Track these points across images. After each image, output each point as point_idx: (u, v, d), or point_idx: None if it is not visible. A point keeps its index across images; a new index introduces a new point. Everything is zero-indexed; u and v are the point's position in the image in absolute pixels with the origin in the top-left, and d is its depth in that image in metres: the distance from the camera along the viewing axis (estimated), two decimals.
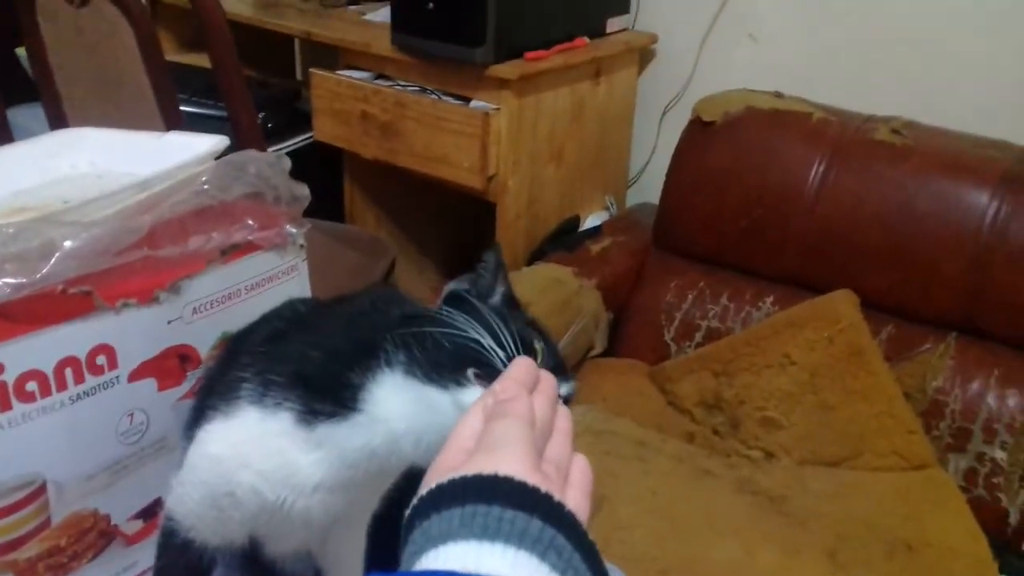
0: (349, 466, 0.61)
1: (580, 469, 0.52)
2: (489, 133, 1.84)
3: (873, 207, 1.60)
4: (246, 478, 0.62)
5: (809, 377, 1.50)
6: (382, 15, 2.13)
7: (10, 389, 0.64)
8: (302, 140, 2.26)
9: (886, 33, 1.88)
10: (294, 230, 0.84)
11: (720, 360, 1.59)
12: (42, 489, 0.68)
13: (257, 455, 0.62)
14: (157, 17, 2.45)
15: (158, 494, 0.71)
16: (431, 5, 1.83)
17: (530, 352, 0.59)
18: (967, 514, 1.37)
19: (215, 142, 0.84)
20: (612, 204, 2.26)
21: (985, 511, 1.41)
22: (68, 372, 0.67)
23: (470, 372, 0.57)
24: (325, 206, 2.00)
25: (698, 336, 1.74)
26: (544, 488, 0.45)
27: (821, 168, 1.66)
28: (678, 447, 1.50)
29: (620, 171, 2.30)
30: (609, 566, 0.49)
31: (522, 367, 0.54)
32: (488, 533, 0.42)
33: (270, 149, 2.15)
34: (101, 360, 0.69)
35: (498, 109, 1.86)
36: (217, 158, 0.83)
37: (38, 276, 0.63)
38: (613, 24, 2.11)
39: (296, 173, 0.85)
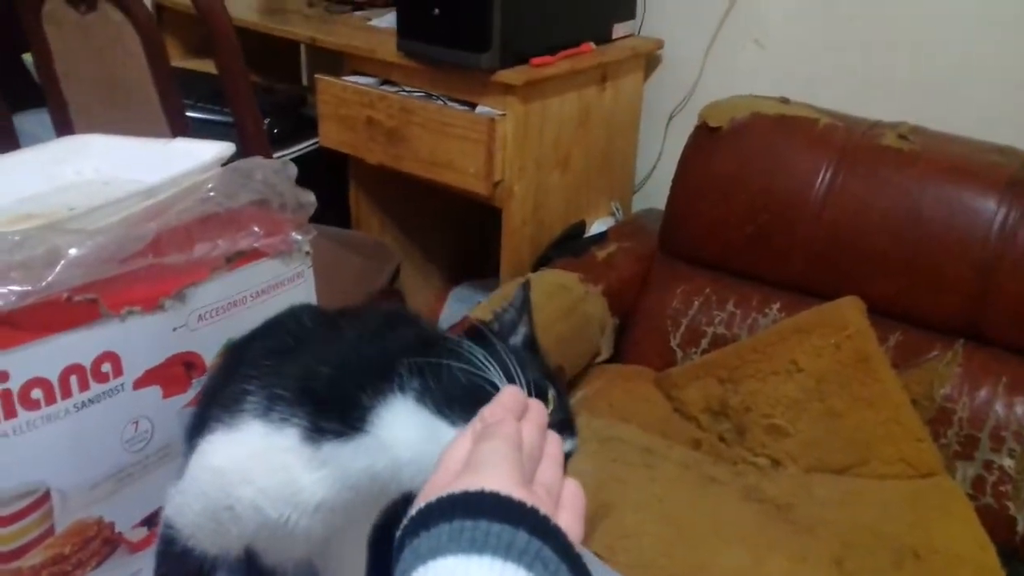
0: (350, 487, 0.61)
1: (572, 492, 0.52)
2: (495, 139, 1.84)
3: (880, 213, 1.60)
4: (247, 493, 0.61)
5: (816, 384, 1.50)
6: (388, 21, 2.13)
7: (15, 397, 0.64)
8: (308, 146, 2.26)
9: (891, 38, 1.88)
10: (300, 237, 0.84)
11: (726, 367, 1.59)
12: (46, 497, 0.68)
13: (260, 470, 0.61)
14: (163, 23, 2.46)
15: (163, 502, 0.70)
16: (437, 11, 1.83)
17: (544, 400, 0.59)
18: (975, 522, 1.37)
19: (221, 149, 0.84)
20: (618, 210, 2.25)
21: (993, 519, 1.40)
22: (73, 380, 0.67)
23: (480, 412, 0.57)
24: (330, 211, 2.00)
25: (704, 342, 1.74)
26: (530, 503, 0.46)
27: (828, 174, 1.65)
28: (684, 454, 1.50)
29: (626, 177, 2.29)
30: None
31: (511, 395, 0.55)
32: (476, 546, 0.43)
33: (276, 155, 2.15)
34: (106, 368, 0.69)
35: (504, 115, 1.86)
36: (223, 165, 0.83)
37: (43, 284, 0.63)
38: (619, 30, 2.11)
39: (302, 179, 0.85)
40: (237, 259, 0.78)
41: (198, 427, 0.67)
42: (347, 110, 2.05)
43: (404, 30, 1.92)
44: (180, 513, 0.65)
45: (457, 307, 2.39)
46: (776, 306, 1.70)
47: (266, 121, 2.07)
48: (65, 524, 0.69)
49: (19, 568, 0.67)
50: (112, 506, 0.72)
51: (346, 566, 0.71)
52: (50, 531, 0.68)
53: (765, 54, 2.06)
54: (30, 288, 0.62)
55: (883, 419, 1.46)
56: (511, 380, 0.58)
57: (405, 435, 0.59)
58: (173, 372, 0.74)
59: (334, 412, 0.60)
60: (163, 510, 0.67)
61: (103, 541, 0.73)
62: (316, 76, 2.11)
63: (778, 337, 1.57)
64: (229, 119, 1.57)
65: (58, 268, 0.63)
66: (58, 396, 0.66)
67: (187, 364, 0.75)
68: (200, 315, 0.76)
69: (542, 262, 2.00)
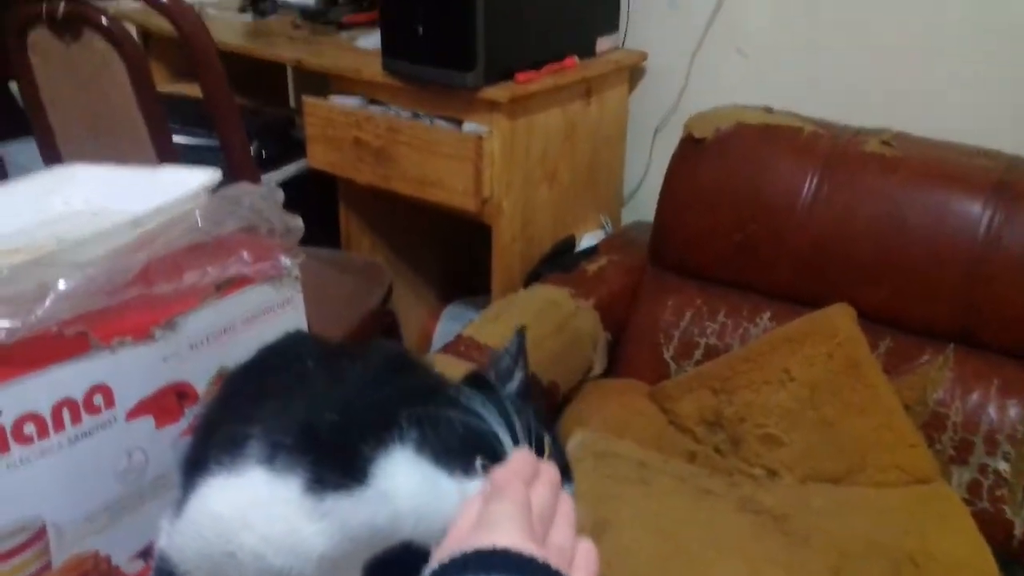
0: (351, 540, 0.60)
1: (585, 554, 0.53)
2: (482, 156, 1.85)
3: (866, 219, 1.61)
4: (249, 540, 0.60)
5: (809, 393, 1.50)
6: (372, 41, 2.14)
7: (8, 432, 0.64)
8: (296, 167, 2.27)
9: (873, 45, 1.89)
10: (289, 262, 0.84)
11: (719, 377, 1.59)
12: (42, 532, 0.67)
13: (262, 519, 0.60)
14: (149, 48, 2.46)
15: (155, 534, 0.70)
16: (421, 30, 1.84)
17: (540, 448, 0.59)
18: (972, 527, 1.37)
19: (208, 176, 0.84)
20: (607, 223, 2.26)
21: (990, 523, 1.41)
22: (65, 413, 0.67)
23: (478, 462, 0.57)
24: (321, 232, 2.00)
25: (697, 354, 1.74)
26: (541, 557, 0.46)
27: (813, 182, 1.66)
28: (680, 467, 1.50)
29: (614, 190, 2.30)
30: None
31: (521, 458, 0.56)
32: None
33: (264, 177, 2.15)
34: (98, 400, 0.68)
35: (490, 132, 1.86)
36: (211, 192, 0.83)
37: (33, 318, 0.62)
38: (603, 43, 2.12)
39: (291, 200, 0.85)
40: (227, 286, 0.78)
41: (195, 462, 0.65)
42: (334, 131, 2.06)
43: (389, 50, 1.93)
44: (177, 551, 0.64)
45: (451, 325, 2.39)
46: (767, 315, 1.71)
47: (254, 143, 2.08)
48: (62, 559, 0.69)
49: None
50: (108, 539, 0.72)
51: None
52: (47, 566, 0.68)
53: (749, 63, 2.07)
54: (20, 323, 0.62)
55: (876, 426, 1.46)
56: (510, 428, 0.58)
57: (406, 487, 0.58)
58: (165, 402, 0.74)
59: (337, 463, 0.59)
60: (156, 543, 0.67)
61: (100, 575, 0.72)
62: (303, 98, 2.11)
63: (770, 347, 1.57)
64: (217, 143, 1.57)
65: (47, 302, 0.63)
66: (51, 430, 0.66)
67: (179, 393, 0.75)
68: (191, 343, 0.76)
69: (533, 277, 2.00)
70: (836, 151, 1.66)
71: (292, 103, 2.83)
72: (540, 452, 0.59)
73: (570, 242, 2.15)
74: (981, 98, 1.79)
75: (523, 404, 0.63)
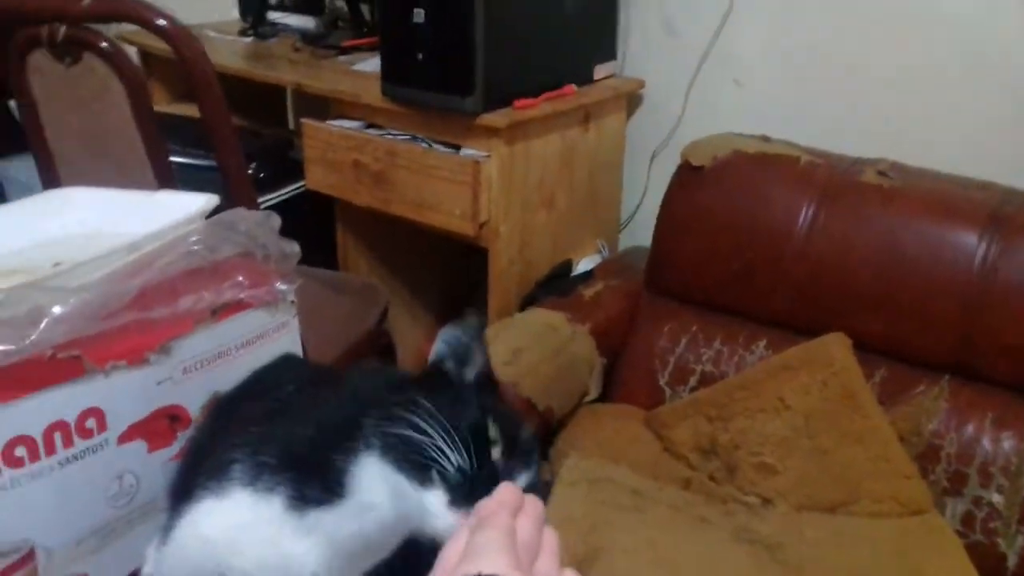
0: (345, 556, 0.61)
1: None
2: (480, 181, 1.86)
3: (862, 249, 1.61)
4: (238, 563, 0.61)
5: (804, 421, 1.50)
6: (372, 65, 2.15)
7: None
8: (294, 189, 2.27)
9: (868, 77, 1.91)
10: (285, 287, 0.84)
11: (715, 405, 1.59)
12: (31, 555, 0.67)
13: (249, 541, 0.61)
14: (149, 69, 2.47)
15: (142, 562, 0.70)
16: (420, 56, 1.85)
17: (482, 447, 0.59)
18: (964, 560, 1.37)
19: (205, 201, 0.85)
20: (604, 248, 2.26)
21: (983, 556, 1.40)
22: (57, 436, 0.66)
23: (434, 473, 0.57)
24: (318, 254, 2.01)
25: (692, 380, 1.74)
26: None
27: (810, 211, 1.67)
28: (675, 495, 1.49)
29: (611, 215, 2.31)
30: None
31: (507, 490, 0.56)
32: None
33: (263, 198, 2.15)
34: (90, 423, 0.68)
35: (488, 157, 1.87)
36: (208, 216, 0.83)
37: (27, 342, 0.63)
38: (600, 71, 2.13)
39: (288, 221, 0.85)
40: (222, 311, 0.78)
41: (183, 489, 0.66)
42: (333, 154, 2.06)
43: (388, 75, 1.94)
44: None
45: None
46: (763, 343, 1.71)
47: (253, 165, 2.09)
48: None
49: None
50: (96, 563, 0.72)
51: None
52: None
53: (745, 93, 2.08)
54: (13, 347, 0.62)
55: (871, 456, 1.46)
56: (450, 437, 0.58)
57: (383, 496, 0.59)
58: (158, 426, 0.74)
59: (315, 477, 0.60)
60: (142, 571, 0.67)
61: None
62: (302, 120, 2.12)
63: (766, 374, 1.57)
64: (216, 164, 1.57)
65: (42, 326, 0.63)
66: (42, 453, 0.66)
67: (172, 417, 0.75)
68: (185, 368, 0.76)
69: (529, 301, 2.00)
70: (833, 181, 1.67)
71: (291, 125, 2.84)
72: (482, 443, 0.59)
73: (567, 266, 2.16)
74: (975, 129, 1.81)
75: (477, 396, 0.63)
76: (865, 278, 1.60)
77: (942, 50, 1.81)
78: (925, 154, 1.72)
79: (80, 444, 0.68)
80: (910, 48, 1.85)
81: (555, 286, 2.02)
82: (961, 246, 1.54)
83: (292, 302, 0.85)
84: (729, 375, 1.69)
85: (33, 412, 0.65)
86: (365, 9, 2.54)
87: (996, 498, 1.44)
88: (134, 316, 0.70)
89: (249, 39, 2.57)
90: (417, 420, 0.59)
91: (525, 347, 1.64)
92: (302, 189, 2.22)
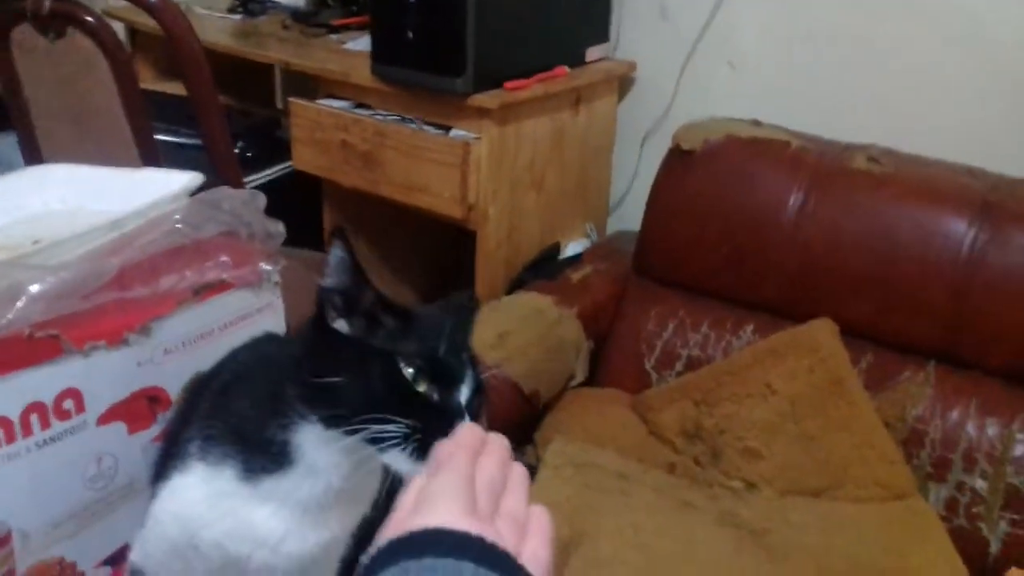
0: (311, 516, 0.62)
1: (538, 519, 0.53)
2: (469, 162, 1.84)
3: (851, 235, 1.61)
4: (208, 535, 0.62)
5: (790, 407, 1.50)
6: (362, 44, 2.13)
7: None
8: (281, 168, 2.26)
9: (862, 62, 1.90)
10: (269, 267, 0.84)
11: (701, 389, 1.59)
12: (7, 538, 0.66)
13: (213, 513, 0.62)
14: (135, 45, 2.45)
15: (126, 540, 0.69)
16: (411, 35, 1.83)
17: (408, 389, 0.58)
18: (948, 545, 1.37)
19: (189, 179, 0.84)
20: (593, 231, 2.26)
21: (966, 541, 1.41)
22: (34, 418, 0.66)
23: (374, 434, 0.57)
24: (304, 234, 1.99)
25: (679, 365, 1.74)
26: (476, 531, 0.46)
27: (800, 196, 1.66)
28: (660, 479, 1.49)
29: (600, 199, 2.30)
30: None
31: (468, 431, 0.56)
32: None
33: (249, 178, 2.14)
34: (68, 405, 0.67)
35: (478, 138, 1.86)
36: (192, 195, 0.82)
37: (4, 321, 0.62)
38: (592, 53, 2.12)
39: (274, 201, 0.84)
40: (205, 291, 0.77)
41: (159, 472, 0.67)
42: (321, 134, 2.05)
43: (378, 54, 1.92)
44: (147, 556, 0.66)
45: None
46: (750, 328, 1.70)
47: (239, 144, 2.07)
48: (27, 565, 0.68)
49: None
50: (74, 545, 0.71)
51: None
52: (11, 574, 0.67)
53: (738, 76, 2.07)
54: None
55: (856, 442, 1.46)
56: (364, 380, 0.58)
57: (326, 459, 0.60)
58: (137, 407, 0.73)
59: (260, 448, 0.62)
60: (129, 558, 0.67)
61: None
62: (290, 99, 2.10)
63: (752, 359, 1.57)
64: (202, 142, 1.56)
65: (19, 304, 0.62)
66: (18, 435, 0.65)
67: (151, 399, 0.74)
68: (166, 349, 0.75)
69: (517, 284, 1.99)
70: (823, 166, 1.66)
71: (279, 105, 2.82)
72: (405, 385, 0.58)
73: (555, 250, 2.15)
74: (966, 116, 1.80)
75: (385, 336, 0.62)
76: (853, 264, 1.60)
77: (935, 36, 1.80)
78: (916, 140, 1.72)
79: (58, 426, 0.67)
80: (904, 35, 1.84)
81: (543, 269, 2.01)
82: (950, 233, 1.54)
83: (276, 283, 0.85)
84: (716, 360, 1.69)
85: (10, 393, 0.64)
86: None
87: (979, 484, 1.44)
88: (114, 295, 0.69)
89: (238, 16, 2.54)
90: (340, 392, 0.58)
91: (512, 330, 1.63)
92: (289, 169, 2.21)
